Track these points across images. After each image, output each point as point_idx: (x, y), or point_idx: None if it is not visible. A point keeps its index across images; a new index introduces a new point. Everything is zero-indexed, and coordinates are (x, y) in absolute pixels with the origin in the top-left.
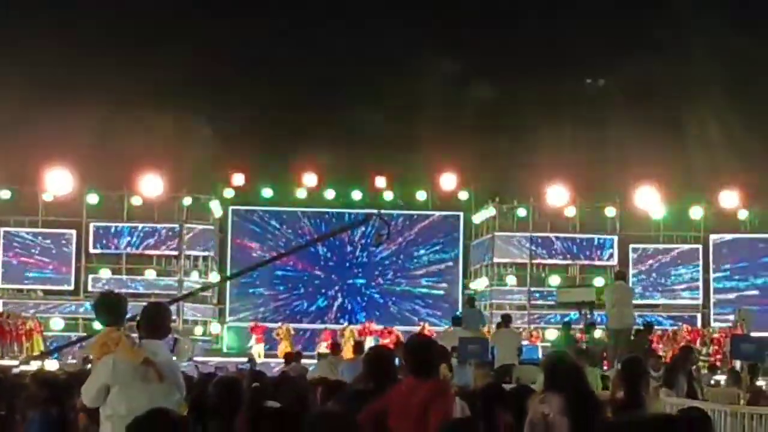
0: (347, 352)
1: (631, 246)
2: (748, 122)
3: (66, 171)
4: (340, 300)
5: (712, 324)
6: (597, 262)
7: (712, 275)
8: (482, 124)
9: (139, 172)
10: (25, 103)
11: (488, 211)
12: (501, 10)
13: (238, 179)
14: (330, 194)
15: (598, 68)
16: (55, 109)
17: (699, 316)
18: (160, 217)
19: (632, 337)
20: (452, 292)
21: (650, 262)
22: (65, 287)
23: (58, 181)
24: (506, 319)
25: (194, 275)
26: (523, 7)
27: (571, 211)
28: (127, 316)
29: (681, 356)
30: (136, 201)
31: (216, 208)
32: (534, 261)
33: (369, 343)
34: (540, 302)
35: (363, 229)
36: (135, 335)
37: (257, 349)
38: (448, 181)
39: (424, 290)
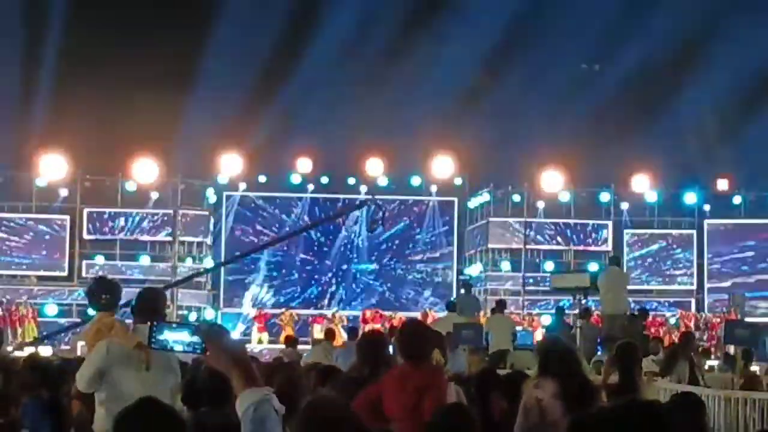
0: (338, 340)
1: (626, 231)
2: (744, 107)
3: (60, 156)
4: (334, 286)
5: (706, 309)
6: (591, 248)
7: (706, 260)
8: (477, 109)
9: (133, 157)
10: (19, 88)
11: (483, 197)
12: None
13: (233, 165)
14: (324, 180)
15: (594, 53)
16: (49, 93)
17: (693, 301)
18: (154, 202)
19: (626, 323)
20: (446, 277)
21: (644, 247)
22: (59, 273)
23: (51, 167)
24: (501, 305)
25: (188, 261)
26: None
27: (565, 197)
28: (121, 302)
29: (682, 342)
30: (130, 186)
31: (210, 193)
32: (528, 246)
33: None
34: (534, 288)
35: (357, 214)
36: (129, 321)
37: (259, 337)
38: (442, 166)
39: (418, 276)
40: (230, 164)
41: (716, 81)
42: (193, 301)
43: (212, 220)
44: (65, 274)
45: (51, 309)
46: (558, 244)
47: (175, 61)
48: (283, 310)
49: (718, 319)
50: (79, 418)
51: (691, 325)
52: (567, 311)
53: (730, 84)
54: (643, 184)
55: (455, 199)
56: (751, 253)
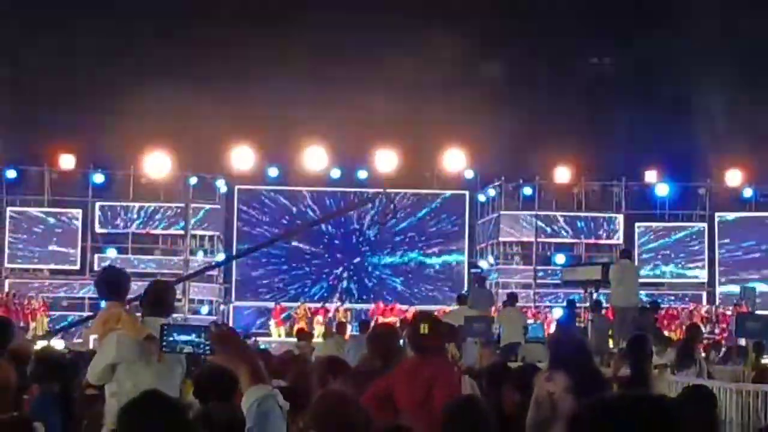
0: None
1: (637, 224)
2: (754, 100)
3: (72, 150)
4: (345, 279)
5: (717, 302)
6: (602, 241)
7: (717, 253)
8: (488, 103)
9: (145, 151)
10: (29, 84)
11: (494, 190)
12: None
13: (244, 158)
14: (336, 173)
15: (604, 47)
16: (60, 88)
17: (704, 294)
18: (166, 196)
19: (637, 316)
20: (458, 271)
21: (656, 240)
22: (71, 267)
23: (64, 161)
24: (512, 298)
25: (200, 255)
26: None
27: (576, 190)
28: (131, 295)
29: (690, 336)
30: (141, 180)
31: (222, 186)
32: (539, 240)
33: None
34: (545, 281)
35: (369, 208)
36: (139, 314)
37: (278, 331)
38: (454, 160)
39: (429, 269)
40: (241, 157)
41: (727, 72)
42: (205, 294)
43: (224, 214)
44: (77, 267)
45: (63, 302)
46: (569, 237)
47: (185, 52)
48: (299, 304)
49: (729, 312)
50: (91, 410)
51: (703, 317)
52: (578, 304)
53: (741, 75)
54: (655, 178)
55: (466, 193)
56: (763, 246)
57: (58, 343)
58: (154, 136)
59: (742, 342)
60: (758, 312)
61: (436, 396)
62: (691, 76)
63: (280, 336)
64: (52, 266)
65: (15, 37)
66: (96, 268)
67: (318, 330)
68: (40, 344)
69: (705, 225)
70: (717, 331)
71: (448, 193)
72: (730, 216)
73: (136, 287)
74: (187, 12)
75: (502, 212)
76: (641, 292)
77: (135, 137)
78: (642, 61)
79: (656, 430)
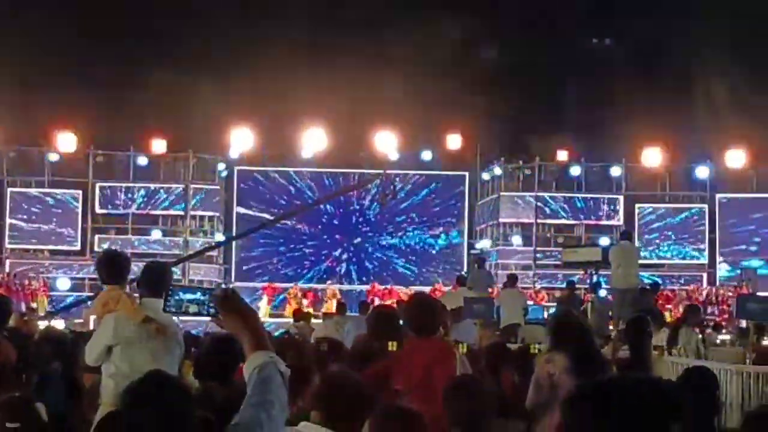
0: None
1: (637, 205)
2: (755, 81)
3: (72, 131)
4: (345, 260)
5: (718, 284)
6: (603, 222)
7: (718, 234)
8: (488, 83)
9: (145, 132)
10: (31, 65)
11: (494, 171)
12: None
13: (244, 139)
14: (336, 154)
15: (605, 28)
16: (61, 69)
17: (705, 275)
18: (165, 177)
19: (637, 297)
20: (457, 252)
21: (656, 221)
22: (71, 247)
23: (64, 142)
24: (512, 279)
25: (200, 235)
26: None
27: (576, 171)
28: (131, 276)
29: (686, 315)
30: (141, 161)
31: (221, 168)
32: (539, 221)
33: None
34: (545, 262)
35: (369, 188)
36: (137, 295)
37: (264, 309)
38: (454, 140)
39: (429, 250)
40: (241, 138)
41: (726, 52)
42: (204, 275)
43: (223, 195)
44: (78, 248)
45: (63, 283)
46: (569, 218)
47: (185, 35)
48: (292, 284)
49: (730, 293)
50: (92, 390)
51: (703, 299)
52: (578, 286)
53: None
54: (654, 158)
55: (466, 173)
56: (764, 229)
57: (58, 323)
58: (154, 117)
59: (743, 324)
60: (759, 293)
61: (435, 377)
62: (691, 57)
63: (265, 314)
64: (53, 247)
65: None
66: (96, 248)
67: (327, 306)
68: (41, 324)
69: (706, 206)
70: (717, 312)
71: (448, 174)
72: (731, 197)
73: (137, 268)
74: None
75: (501, 193)
76: (642, 273)
77: (135, 118)
78: (642, 41)
79: (653, 412)
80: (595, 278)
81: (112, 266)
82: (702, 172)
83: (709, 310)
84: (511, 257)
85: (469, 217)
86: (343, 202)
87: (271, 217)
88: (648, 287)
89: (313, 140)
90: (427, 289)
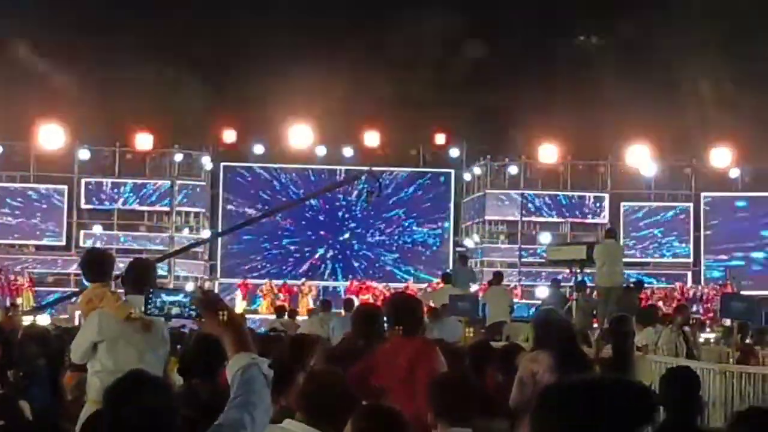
0: (303, 309)
1: (622, 204)
2: (740, 80)
3: (57, 126)
4: (330, 257)
5: (703, 282)
6: (588, 220)
7: (702, 233)
8: (474, 81)
9: (131, 127)
10: (17, 59)
11: (480, 169)
12: None
13: (230, 135)
14: (321, 151)
15: (592, 26)
16: (47, 63)
17: (690, 274)
18: (151, 172)
19: (621, 295)
20: (443, 249)
21: (641, 220)
22: (56, 243)
23: (49, 136)
24: (498, 277)
25: (186, 231)
26: None
27: (562, 169)
28: (116, 273)
29: (675, 314)
30: (128, 157)
31: (207, 163)
32: (525, 218)
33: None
34: (530, 260)
35: (355, 185)
36: (122, 291)
37: (240, 306)
38: (440, 138)
39: (415, 248)
40: (227, 134)
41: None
42: (190, 271)
43: (209, 191)
44: (63, 243)
45: (49, 278)
46: (555, 216)
47: (172, 30)
48: (265, 281)
49: (714, 292)
50: (75, 389)
51: (688, 297)
52: (563, 284)
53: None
54: (641, 157)
55: (452, 171)
56: (745, 226)
57: (44, 319)
58: (140, 113)
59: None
60: (743, 293)
61: (418, 375)
62: (678, 56)
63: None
64: (38, 242)
65: None
66: (82, 244)
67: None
68: (25, 320)
69: (691, 205)
70: (701, 310)
71: (435, 171)
72: (716, 196)
73: (123, 263)
74: None
75: (487, 191)
76: (628, 271)
77: (121, 114)
78: (630, 39)
79: (620, 414)
80: (579, 276)
81: (97, 266)
82: (687, 170)
83: (694, 308)
84: (497, 255)
85: (455, 215)
86: (330, 199)
87: (258, 213)
88: (632, 285)
89: (300, 137)
90: (418, 285)
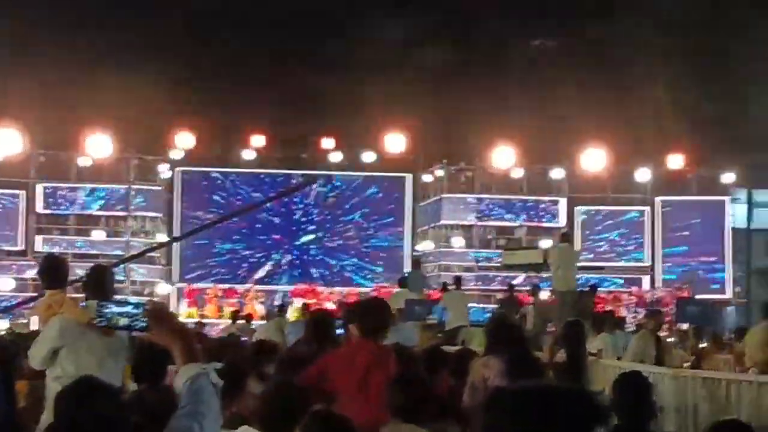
0: (253, 314)
1: (578, 208)
2: (696, 85)
3: (14, 131)
4: (285, 261)
5: (658, 285)
6: (544, 224)
7: (659, 237)
8: (429, 85)
9: (87, 132)
10: None
11: (436, 173)
12: None
13: (186, 141)
14: (278, 156)
15: (547, 30)
16: (1, 68)
17: (646, 278)
18: (108, 177)
19: (576, 299)
20: (399, 254)
21: (598, 224)
22: (13, 248)
23: (5, 142)
24: (457, 281)
25: (142, 236)
26: None
27: (518, 173)
28: (73, 277)
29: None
30: (84, 162)
31: (164, 169)
32: (481, 223)
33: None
34: (487, 264)
35: (311, 189)
36: (81, 296)
37: (189, 312)
38: (395, 142)
39: (371, 252)
40: (184, 140)
41: (669, 56)
42: (147, 276)
43: (166, 196)
44: (20, 248)
45: (6, 283)
46: (510, 220)
47: (131, 33)
48: (210, 285)
49: (670, 297)
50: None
51: (643, 301)
52: (518, 288)
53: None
54: (596, 161)
55: (408, 175)
56: (701, 231)
57: (2, 324)
58: (97, 117)
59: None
60: (698, 297)
61: (373, 380)
62: (634, 60)
63: (191, 316)
64: None
65: None
66: (39, 248)
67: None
68: None
69: (647, 208)
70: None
71: (391, 175)
72: (672, 199)
73: (80, 268)
74: None
75: (443, 195)
76: (583, 275)
77: (78, 118)
78: (586, 43)
79: (568, 420)
80: (535, 280)
81: (55, 272)
82: (643, 174)
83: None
84: (453, 259)
85: (412, 219)
86: (285, 204)
87: (214, 218)
88: (587, 289)
89: (255, 142)
90: (369, 290)
